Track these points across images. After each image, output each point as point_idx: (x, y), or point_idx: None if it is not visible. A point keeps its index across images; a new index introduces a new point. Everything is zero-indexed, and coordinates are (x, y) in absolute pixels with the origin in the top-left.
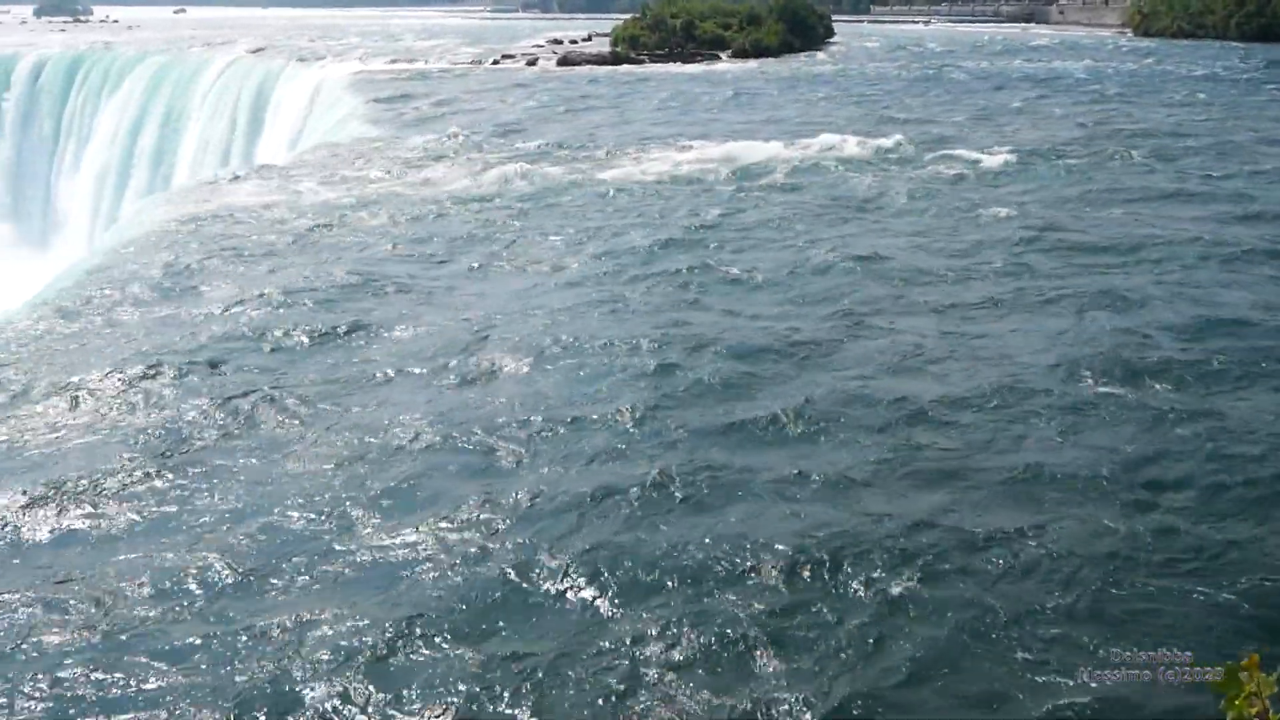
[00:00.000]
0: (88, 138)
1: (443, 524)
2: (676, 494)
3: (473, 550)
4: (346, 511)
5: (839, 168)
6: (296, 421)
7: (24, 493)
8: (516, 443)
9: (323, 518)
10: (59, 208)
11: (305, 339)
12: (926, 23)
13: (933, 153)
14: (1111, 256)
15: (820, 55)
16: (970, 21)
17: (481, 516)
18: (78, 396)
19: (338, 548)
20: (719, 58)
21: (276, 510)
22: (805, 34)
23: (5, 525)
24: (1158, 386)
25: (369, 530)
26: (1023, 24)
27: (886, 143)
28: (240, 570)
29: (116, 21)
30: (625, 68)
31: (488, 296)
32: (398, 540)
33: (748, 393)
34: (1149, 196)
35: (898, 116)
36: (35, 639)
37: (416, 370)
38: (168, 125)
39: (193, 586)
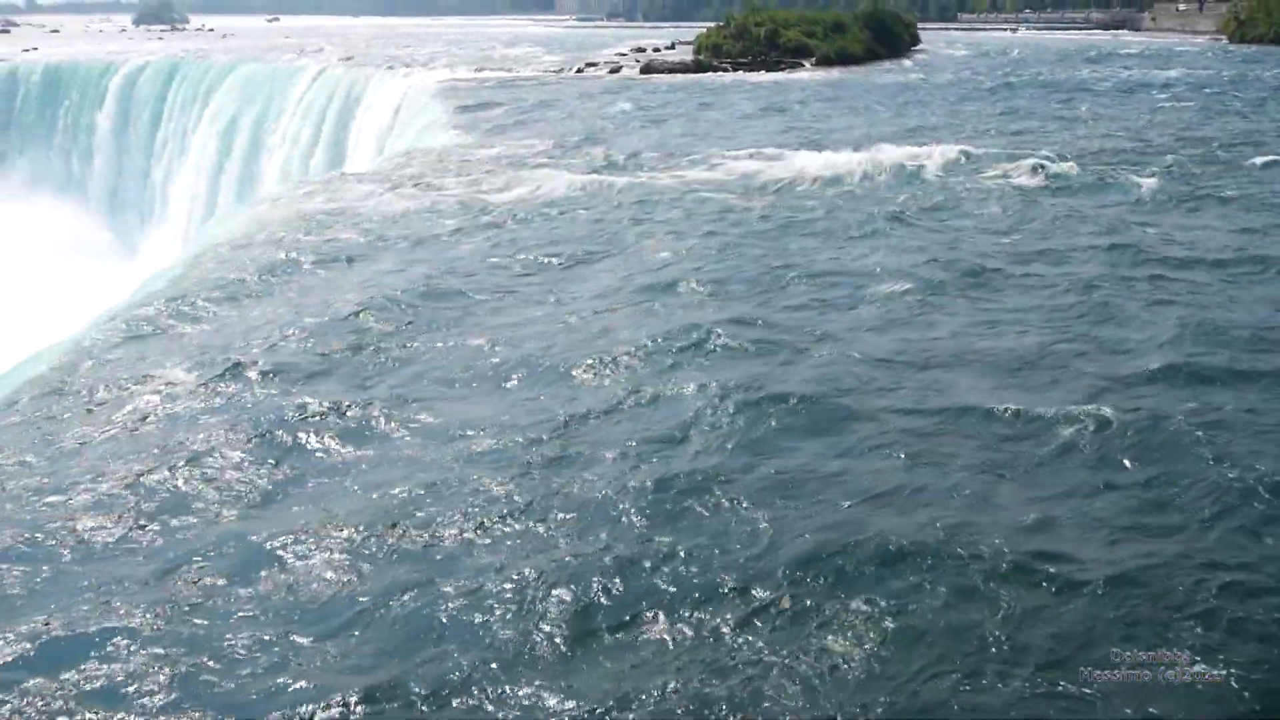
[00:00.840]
0: (182, 142)
1: (530, 536)
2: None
3: (571, 568)
4: (441, 517)
5: (924, 175)
6: (383, 425)
7: (115, 484)
8: (594, 461)
9: (412, 525)
10: (153, 210)
11: (390, 343)
12: (1014, 30)
13: (1022, 161)
14: (1215, 272)
15: (906, 63)
16: (1059, 28)
17: (572, 528)
18: (165, 392)
19: (431, 556)
20: (803, 66)
21: (383, 510)
22: (891, 42)
23: (91, 517)
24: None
25: (472, 538)
26: (1113, 31)
27: (975, 150)
28: (330, 572)
29: (212, 30)
30: (708, 76)
31: (570, 305)
32: (493, 547)
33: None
34: (1258, 206)
35: (985, 125)
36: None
37: (502, 377)
38: (259, 131)
39: (279, 594)
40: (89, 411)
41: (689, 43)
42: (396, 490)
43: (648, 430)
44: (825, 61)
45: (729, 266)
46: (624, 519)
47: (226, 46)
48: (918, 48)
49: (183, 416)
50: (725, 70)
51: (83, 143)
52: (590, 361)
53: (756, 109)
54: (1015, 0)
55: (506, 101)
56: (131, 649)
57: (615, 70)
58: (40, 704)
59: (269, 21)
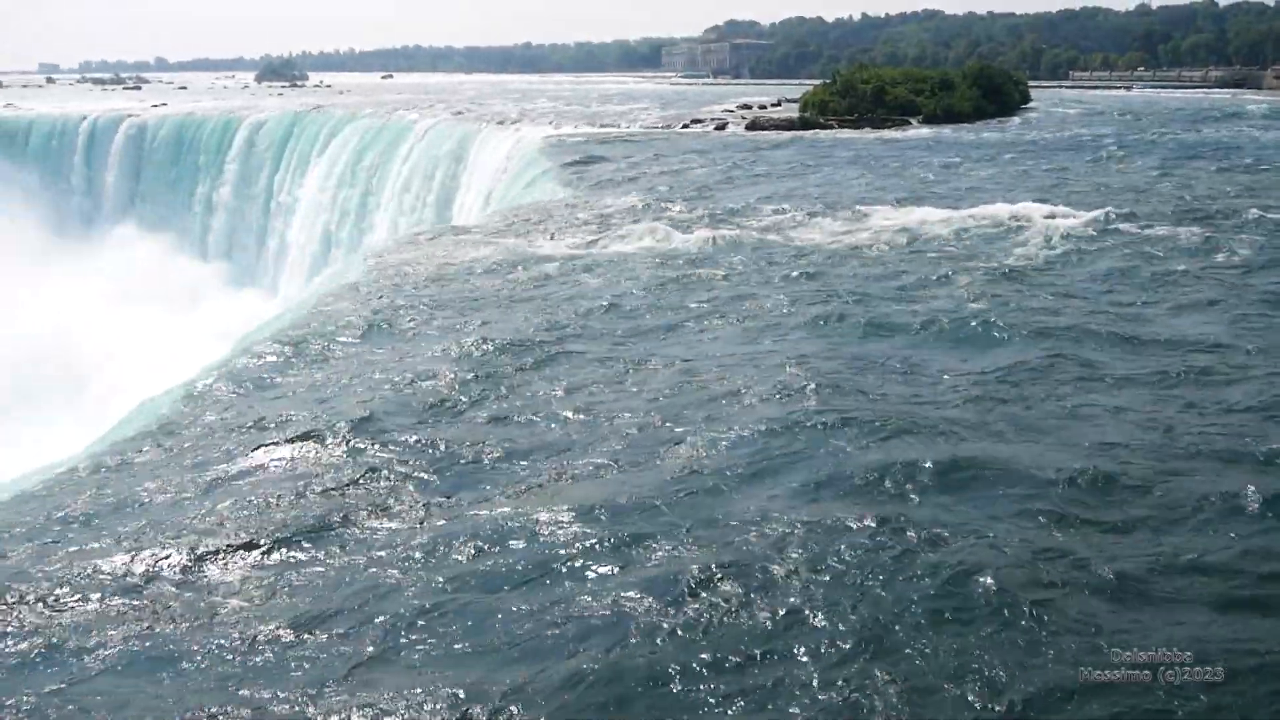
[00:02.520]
0: (298, 193)
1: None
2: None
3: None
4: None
5: (1028, 236)
6: (488, 470)
7: (228, 518)
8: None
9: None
10: (271, 256)
11: (496, 392)
12: (1128, 89)
13: (1132, 223)
14: None
15: (1015, 121)
16: (1176, 87)
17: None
18: (272, 436)
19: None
20: (909, 123)
21: (492, 550)
22: (1000, 99)
23: (215, 548)
24: None
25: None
26: (1233, 89)
27: (1087, 214)
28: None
29: (329, 86)
30: (813, 133)
31: (671, 359)
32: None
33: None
34: None
35: (1099, 184)
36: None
37: (611, 431)
38: (371, 183)
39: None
40: (201, 454)
41: (794, 100)
42: (516, 543)
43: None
44: (932, 119)
45: (832, 331)
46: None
47: (342, 102)
48: (1028, 105)
49: (288, 460)
50: (830, 127)
51: (205, 191)
52: (707, 414)
53: (860, 166)
54: (1130, 58)
55: (612, 157)
56: (246, 679)
57: (721, 127)
58: None
59: (383, 78)
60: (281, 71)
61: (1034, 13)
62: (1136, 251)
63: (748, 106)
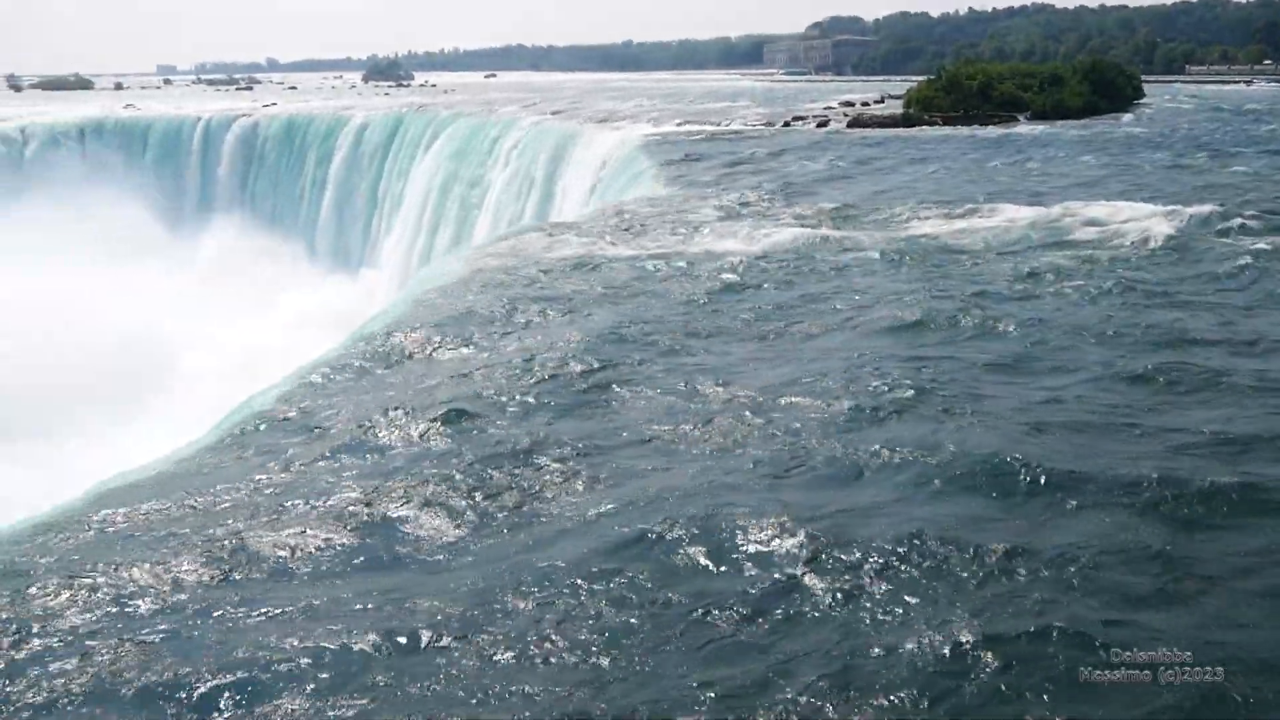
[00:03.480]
0: (402, 190)
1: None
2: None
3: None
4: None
5: (1140, 236)
6: (590, 465)
7: (333, 508)
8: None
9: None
10: (375, 253)
11: (593, 389)
12: (1249, 83)
13: (1256, 223)
14: None
15: (1127, 117)
16: None
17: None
18: (376, 428)
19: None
20: (1016, 120)
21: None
22: (1112, 95)
23: (311, 538)
24: None
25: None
26: None
27: (1202, 213)
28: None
29: (434, 86)
30: (917, 129)
31: (768, 358)
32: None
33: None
34: None
35: (1214, 183)
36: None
37: (714, 428)
38: (472, 181)
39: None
40: (310, 443)
41: (898, 97)
42: (619, 530)
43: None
44: (1040, 115)
45: (937, 331)
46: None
47: (446, 101)
48: (1141, 101)
49: (391, 451)
50: (934, 124)
51: (313, 188)
52: (813, 417)
53: (963, 163)
54: (1251, 51)
55: (713, 154)
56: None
57: (823, 124)
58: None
59: (486, 77)
60: (387, 71)
61: (1148, 5)
62: (1259, 254)
63: (850, 104)
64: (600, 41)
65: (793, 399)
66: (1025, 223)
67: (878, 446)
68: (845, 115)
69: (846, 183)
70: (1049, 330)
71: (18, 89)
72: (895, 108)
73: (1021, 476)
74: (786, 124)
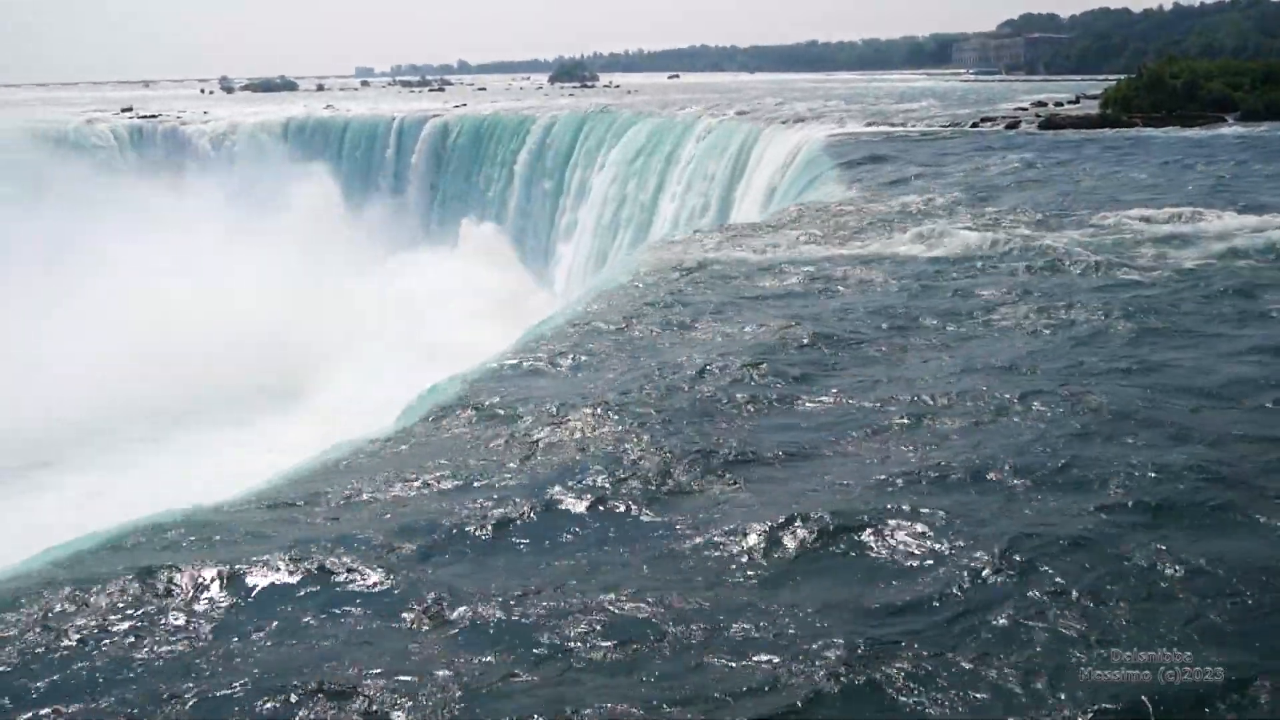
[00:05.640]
0: (584, 189)
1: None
2: None
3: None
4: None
5: None
6: (763, 466)
7: (510, 492)
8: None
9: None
10: (556, 251)
11: (774, 389)
12: None
13: None
14: None
15: None
16: None
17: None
18: (549, 421)
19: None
20: (1224, 120)
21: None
22: None
23: (487, 520)
24: None
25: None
26: None
27: None
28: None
29: (618, 86)
30: (1115, 131)
31: (948, 367)
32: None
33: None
34: None
35: None
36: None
37: (897, 431)
38: (654, 181)
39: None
40: (486, 432)
41: (1094, 97)
42: (795, 530)
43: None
44: (1252, 115)
45: (1132, 349)
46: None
47: (629, 102)
48: None
49: (568, 444)
50: (1134, 125)
51: (500, 186)
52: (980, 419)
53: (1163, 166)
54: None
55: (897, 155)
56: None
57: (1013, 125)
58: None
59: (670, 78)
60: (573, 72)
61: None
62: None
63: (1043, 104)
64: (784, 42)
65: (977, 405)
66: (1238, 231)
67: (1063, 463)
68: (1037, 116)
69: (1037, 186)
70: (1258, 353)
71: (229, 91)
72: (1091, 108)
73: (1212, 503)
74: (975, 125)
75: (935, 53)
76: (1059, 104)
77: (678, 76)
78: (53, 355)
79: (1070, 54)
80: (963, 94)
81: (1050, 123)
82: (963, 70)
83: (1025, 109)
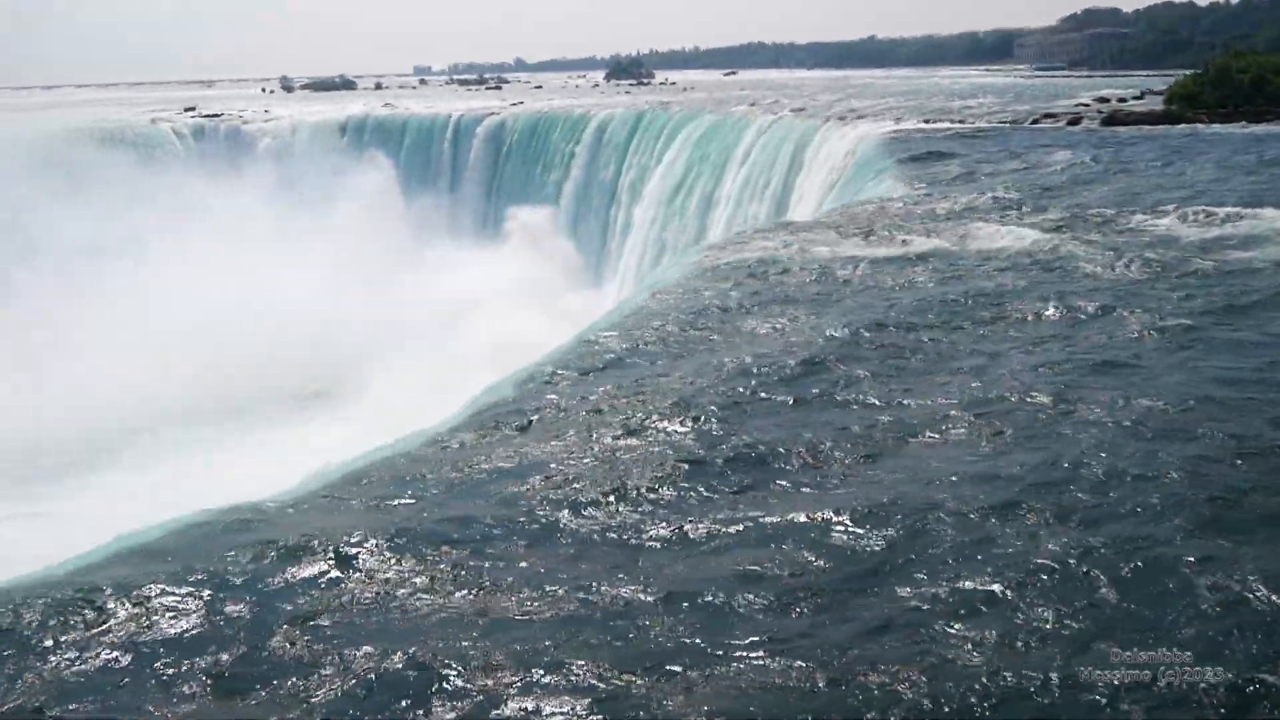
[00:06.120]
0: (640, 186)
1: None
2: None
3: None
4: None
5: None
6: (823, 465)
7: (567, 491)
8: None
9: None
10: (613, 248)
11: (829, 389)
12: None
13: None
14: None
15: None
16: None
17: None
18: (617, 420)
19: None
20: None
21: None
22: None
23: (548, 514)
24: None
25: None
26: None
27: None
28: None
29: (674, 83)
30: (1180, 127)
31: (1007, 369)
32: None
33: None
34: None
35: None
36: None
37: (927, 434)
38: (709, 178)
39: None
40: (541, 430)
41: (1159, 93)
42: (860, 531)
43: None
44: None
45: (1195, 353)
46: None
47: (685, 99)
48: None
49: (626, 442)
50: (1200, 121)
51: (556, 182)
52: (1045, 424)
53: (1229, 163)
54: None
55: (956, 153)
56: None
57: (1074, 121)
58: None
59: (726, 75)
60: (629, 70)
61: None
62: None
63: (1105, 100)
64: (842, 38)
65: (1030, 407)
66: None
67: (1142, 471)
68: (1099, 112)
69: (1098, 183)
70: None
71: (290, 90)
72: (1155, 105)
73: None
74: (1035, 121)
75: (995, 48)
76: (1122, 100)
77: (734, 73)
78: (101, 353)
79: (1134, 49)
80: (1023, 90)
81: (1113, 119)
82: (1023, 66)
83: (1087, 105)
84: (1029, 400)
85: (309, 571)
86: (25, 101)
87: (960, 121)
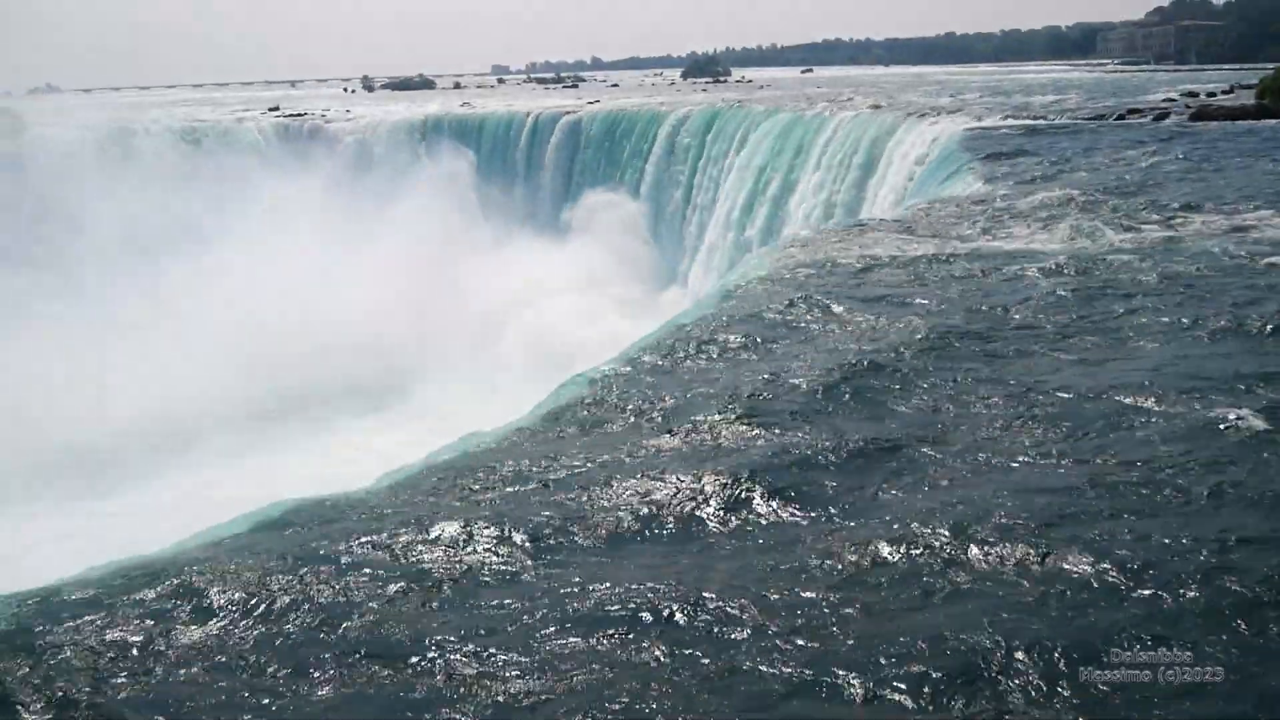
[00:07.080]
0: (716, 184)
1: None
2: None
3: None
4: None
5: None
6: (908, 463)
7: (642, 486)
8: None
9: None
10: (689, 245)
11: (907, 388)
12: None
13: None
14: None
15: None
16: None
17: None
18: (691, 419)
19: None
20: None
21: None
22: None
23: (616, 513)
24: None
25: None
26: None
27: None
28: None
29: (750, 81)
30: (1271, 122)
31: (1085, 374)
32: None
33: None
34: None
35: None
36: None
37: (993, 440)
38: (786, 175)
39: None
40: (617, 428)
41: (1250, 86)
42: (920, 533)
43: None
44: None
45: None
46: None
47: (762, 96)
48: None
49: (700, 442)
50: None
51: (632, 181)
52: (1118, 430)
53: None
54: None
55: (1037, 150)
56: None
57: (1161, 117)
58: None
59: (803, 73)
60: (705, 68)
61: None
62: None
63: (1194, 94)
64: (921, 34)
65: (1108, 414)
66: None
67: (1204, 488)
68: (1188, 107)
69: (1186, 180)
70: None
71: (370, 89)
72: (1247, 99)
73: None
74: (1120, 117)
75: (1078, 42)
76: (1211, 94)
77: (811, 71)
78: (177, 350)
79: (1224, 41)
80: (1108, 85)
81: (1202, 114)
82: (1108, 61)
83: (1175, 100)
84: (1099, 407)
85: (395, 562)
86: (118, 100)
87: (1042, 118)
